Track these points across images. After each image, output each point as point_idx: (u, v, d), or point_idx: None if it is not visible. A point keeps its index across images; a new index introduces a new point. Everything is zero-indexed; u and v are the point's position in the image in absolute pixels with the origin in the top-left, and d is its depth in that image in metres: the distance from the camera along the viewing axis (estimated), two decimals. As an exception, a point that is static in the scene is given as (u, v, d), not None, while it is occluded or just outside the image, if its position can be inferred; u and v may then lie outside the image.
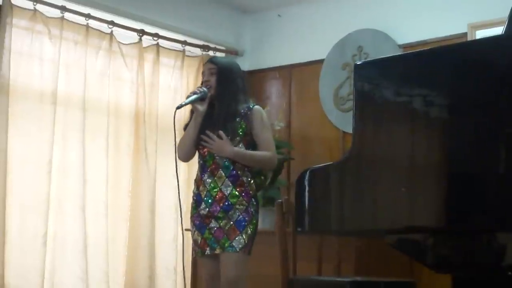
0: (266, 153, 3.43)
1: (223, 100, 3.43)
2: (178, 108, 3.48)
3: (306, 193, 2.53)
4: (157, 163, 4.83)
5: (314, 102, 5.05)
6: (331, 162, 2.51)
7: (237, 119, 3.42)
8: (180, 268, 4.89)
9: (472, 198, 2.05)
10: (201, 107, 3.45)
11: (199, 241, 3.42)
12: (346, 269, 3.96)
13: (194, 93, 3.49)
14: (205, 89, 3.46)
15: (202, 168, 3.48)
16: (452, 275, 2.31)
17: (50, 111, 4.31)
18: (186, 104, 3.50)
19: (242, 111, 3.44)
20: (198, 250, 3.44)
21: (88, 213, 4.40)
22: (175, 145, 3.52)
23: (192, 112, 3.52)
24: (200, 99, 3.45)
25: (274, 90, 5.37)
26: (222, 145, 3.36)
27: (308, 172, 2.52)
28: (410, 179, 2.20)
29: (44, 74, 4.33)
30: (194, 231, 3.46)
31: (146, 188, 4.74)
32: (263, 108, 4.75)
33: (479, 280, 2.26)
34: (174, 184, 4.89)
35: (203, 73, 3.55)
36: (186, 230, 4.83)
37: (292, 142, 5.10)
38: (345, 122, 4.78)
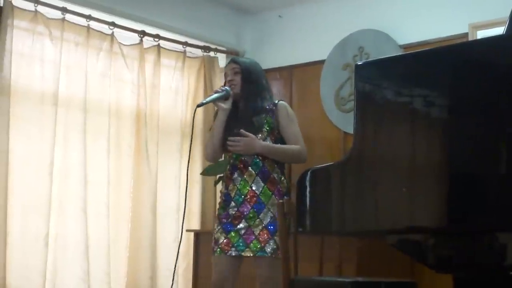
0: (295, 146, 3.40)
1: (249, 97, 3.43)
2: (198, 106, 3.48)
3: (307, 194, 2.53)
4: (159, 164, 4.84)
5: (315, 102, 5.05)
6: (332, 163, 2.51)
7: (263, 115, 3.40)
8: (181, 269, 4.91)
9: (473, 199, 2.05)
10: (225, 105, 3.43)
11: (220, 240, 3.36)
12: (347, 269, 3.96)
13: (216, 92, 3.49)
14: (227, 88, 3.46)
15: (232, 166, 3.43)
16: (453, 276, 2.31)
17: (51, 112, 4.31)
18: (207, 103, 3.50)
19: (268, 107, 3.43)
20: (218, 249, 3.37)
21: (89, 214, 4.41)
22: (191, 144, 3.51)
23: (216, 114, 3.51)
24: (223, 98, 3.43)
25: (275, 90, 5.32)
26: (250, 142, 3.32)
27: (309, 173, 2.52)
28: (411, 180, 2.20)
29: (45, 76, 4.33)
30: (218, 229, 3.39)
31: (147, 189, 4.74)
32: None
33: (480, 280, 2.26)
34: (175, 185, 4.96)
35: (225, 74, 3.55)
36: (187, 231, 4.85)
37: (293, 143, 5.09)
38: (346, 123, 4.78)
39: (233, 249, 3.33)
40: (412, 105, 2.25)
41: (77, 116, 4.44)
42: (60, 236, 4.31)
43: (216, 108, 3.53)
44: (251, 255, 3.31)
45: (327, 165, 2.51)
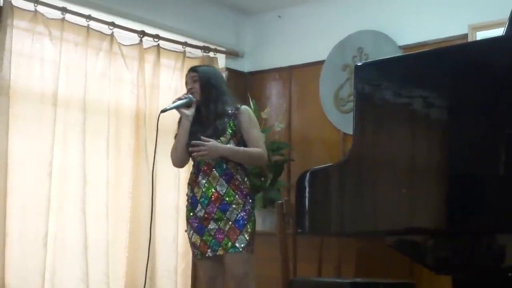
0: (257, 149, 3.48)
1: (210, 102, 3.52)
2: (162, 111, 3.57)
3: (307, 194, 2.53)
4: (157, 164, 4.83)
5: (314, 103, 5.05)
6: (331, 163, 2.51)
7: (225, 119, 3.48)
8: (180, 269, 4.91)
9: (472, 200, 2.05)
10: (188, 112, 3.54)
11: (198, 244, 3.44)
12: (346, 270, 3.96)
13: (179, 99, 3.58)
14: (190, 95, 3.56)
15: (196, 170, 3.51)
16: (452, 277, 2.31)
17: (51, 112, 4.31)
18: (171, 109, 3.61)
19: (230, 111, 3.51)
20: (198, 252, 3.46)
21: (88, 214, 4.40)
22: (155, 148, 3.62)
23: (180, 121, 3.58)
24: (186, 105, 3.54)
25: (274, 91, 5.37)
26: (213, 146, 3.40)
27: (308, 173, 2.52)
28: (411, 181, 2.20)
29: (44, 76, 4.33)
30: (192, 234, 3.48)
31: (146, 189, 4.73)
32: (264, 109, 4.77)
33: (479, 281, 2.26)
34: (175, 185, 4.95)
35: (186, 83, 3.65)
36: (186, 231, 4.85)
37: (292, 143, 5.10)
38: (345, 123, 4.78)
39: (209, 250, 3.41)
40: (412, 106, 2.25)
41: (76, 116, 4.43)
42: (59, 236, 4.30)
43: (180, 115, 3.60)
44: (224, 253, 3.35)
45: (326, 166, 2.51)
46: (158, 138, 4.84)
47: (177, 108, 3.55)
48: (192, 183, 3.52)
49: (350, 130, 2.41)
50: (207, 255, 3.41)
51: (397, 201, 2.21)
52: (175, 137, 3.63)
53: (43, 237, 4.18)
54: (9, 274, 4.04)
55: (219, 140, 3.44)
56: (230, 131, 3.46)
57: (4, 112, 4.08)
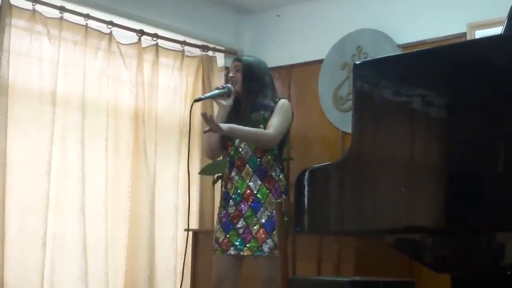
0: (262, 130, 3.35)
1: (250, 94, 3.42)
2: (196, 101, 3.47)
3: (306, 193, 2.53)
4: (157, 163, 4.83)
5: (313, 102, 5.05)
6: (330, 162, 2.51)
7: (262, 112, 3.40)
8: (180, 268, 4.90)
9: (471, 198, 2.05)
10: (225, 102, 3.43)
11: (220, 239, 3.36)
12: (345, 269, 3.96)
13: (217, 88, 3.49)
14: (229, 85, 3.46)
15: (230, 165, 3.43)
16: (451, 275, 2.31)
17: (49, 111, 4.31)
18: (205, 98, 3.51)
19: (268, 104, 3.42)
20: (218, 248, 3.37)
21: (87, 214, 4.40)
22: (189, 141, 3.48)
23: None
24: (224, 95, 3.43)
25: (273, 90, 5.36)
26: (220, 124, 3.25)
27: (307, 172, 2.51)
28: (410, 179, 2.20)
29: (43, 75, 4.33)
30: (218, 228, 3.40)
31: (145, 189, 4.74)
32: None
33: (479, 279, 2.26)
34: (174, 184, 4.95)
35: (228, 71, 3.54)
36: (186, 230, 4.84)
37: (291, 142, 5.09)
38: (344, 122, 4.79)
39: (232, 248, 3.33)
40: (411, 105, 2.24)
41: (75, 115, 4.43)
42: (58, 235, 4.30)
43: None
44: (249, 254, 3.31)
45: (325, 165, 2.50)
46: (158, 138, 4.87)
47: (214, 97, 3.45)
48: (226, 178, 3.44)
49: (349, 129, 2.41)
50: (228, 252, 3.34)
51: (396, 200, 2.21)
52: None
53: (42, 236, 4.18)
54: (8, 273, 4.04)
55: None
56: (265, 124, 3.37)
57: (2, 111, 4.08)
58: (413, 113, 2.24)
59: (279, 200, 3.52)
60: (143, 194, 4.73)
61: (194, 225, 5.02)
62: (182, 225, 4.94)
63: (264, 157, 3.37)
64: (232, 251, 3.33)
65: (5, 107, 4.09)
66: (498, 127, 2.04)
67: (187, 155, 3.51)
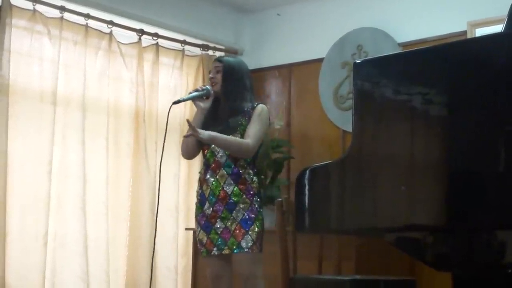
0: (241, 139, 3.37)
1: (229, 97, 3.43)
2: (174, 103, 3.49)
3: (306, 192, 2.53)
4: (157, 162, 4.82)
5: (313, 101, 5.05)
6: (331, 161, 2.51)
7: (239, 117, 3.41)
8: (181, 268, 4.91)
9: (471, 196, 2.05)
10: (203, 104, 3.46)
11: (204, 241, 3.41)
12: (346, 267, 3.95)
13: (196, 90, 3.50)
14: (208, 87, 3.48)
15: (205, 167, 3.47)
16: (452, 273, 2.31)
17: (50, 111, 4.31)
18: (184, 100, 3.53)
19: (246, 109, 3.44)
20: (203, 250, 3.43)
21: (88, 213, 4.40)
22: (164, 140, 3.51)
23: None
24: (203, 97, 3.46)
25: (273, 89, 5.37)
26: (202, 131, 3.31)
27: (308, 171, 2.52)
28: (410, 178, 2.20)
29: (43, 74, 4.33)
30: (199, 231, 3.45)
31: (146, 188, 4.74)
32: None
33: (480, 277, 2.26)
34: (175, 183, 4.95)
35: (210, 72, 3.56)
36: (187, 229, 4.85)
37: (292, 141, 5.10)
38: (345, 121, 4.78)
39: (215, 248, 3.39)
40: (411, 103, 2.24)
41: (75, 115, 4.43)
42: (59, 235, 4.30)
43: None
44: (229, 252, 3.34)
45: (325, 164, 2.51)
46: (158, 138, 4.86)
47: (192, 99, 3.47)
48: (202, 180, 3.48)
49: (349, 128, 2.41)
50: (212, 253, 3.39)
51: (396, 198, 2.21)
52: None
53: (43, 236, 4.18)
54: (9, 273, 4.04)
55: None
56: (241, 130, 3.39)
57: (3, 111, 4.08)
58: (413, 112, 2.24)
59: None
60: (144, 193, 4.73)
61: (194, 224, 5.01)
62: (183, 225, 4.95)
63: (238, 161, 3.41)
64: (215, 251, 3.38)
65: (5, 107, 4.09)
66: (498, 125, 2.04)
67: (161, 153, 3.54)
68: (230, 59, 3.65)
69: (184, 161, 4.90)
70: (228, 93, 3.44)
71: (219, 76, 3.46)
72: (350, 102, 4.75)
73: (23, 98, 4.24)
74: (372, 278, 3.51)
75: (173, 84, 5.07)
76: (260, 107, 3.48)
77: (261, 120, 3.45)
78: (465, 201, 2.07)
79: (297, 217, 2.57)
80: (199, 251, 3.50)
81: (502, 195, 2.00)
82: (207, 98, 3.47)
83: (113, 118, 4.67)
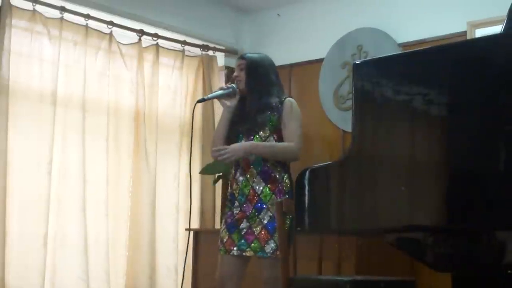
0: (287, 144, 3.32)
1: (254, 94, 3.37)
2: (199, 101, 3.45)
3: (306, 192, 2.53)
4: (157, 163, 4.83)
5: (314, 101, 5.05)
6: (331, 161, 2.51)
7: (268, 113, 3.35)
8: (180, 268, 4.91)
9: (472, 197, 2.05)
10: (229, 103, 3.40)
11: (225, 239, 3.38)
12: (346, 268, 3.96)
13: (221, 88, 3.46)
14: (233, 85, 3.42)
15: (235, 166, 3.42)
16: (452, 274, 2.31)
17: (50, 111, 4.31)
18: (208, 99, 3.49)
19: (274, 104, 3.37)
20: (222, 248, 3.38)
21: (88, 213, 4.41)
22: (191, 140, 3.46)
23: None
24: (229, 95, 3.40)
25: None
26: (236, 147, 3.28)
27: (308, 171, 2.52)
28: (410, 178, 2.20)
29: (43, 75, 4.33)
30: (223, 229, 3.41)
31: (146, 188, 4.74)
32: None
33: (479, 278, 2.26)
34: (174, 184, 4.95)
35: (234, 70, 3.51)
36: (187, 229, 4.85)
37: (292, 142, 5.09)
38: (345, 121, 4.78)
39: (235, 248, 3.34)
40: (411, 104, 2.24)
41: (75, 115, 4.44)
42: (59, 235, 4.30)
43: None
44: (252, 254, 3.32)
45: (325, 164, 2.51)
46: (158, 138, 4.87)
47: (218, 98, 3.42)
48: (232, 179, 3.43)
49: (349, 128, 2.41)
50: (231, 253, 3.34)
51: (396, 199, 2.21)
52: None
53: (43, 236, 4.18)
54: (9, 273, 4.04)
55: (257, 135, 3.33)
56: (271, 126, 3.34)
57: (3, 111, 4.08)
58: (414, 112, 2.24)
59: (279, 200, 3.53)
60: (144, 193, 4.73)
61: (195, 224, 5.02)
62: (183, 225, 4.95)
63: (269, 159, 3.35)
64: (235, 252, 3.33)
65: (5, 107, 4.10)
66: (498, 125, 2.04)
67: (187, 155, 3.52)
68: (253, 55, 3.56)
69: (184, 161, 4.91)
70: (253, 90, 3.37)
71: (242, 74, 3.41)
72: (350, 103, 4.74)
73: (23, 99, 4.24)
74: (372, 279, 3.50)
75: (173, 84, 5.07)
76: (289, 101, 3.40)
77: (295, 116, 3.38)
78: (465, 201, 2.07)
79: (297, 218, 2.57)
80: (218, 248, 3.43)
81: (503, 196, 2.00)
82: (233, 96, 3.40)
83: (113, 118, 4.68)
